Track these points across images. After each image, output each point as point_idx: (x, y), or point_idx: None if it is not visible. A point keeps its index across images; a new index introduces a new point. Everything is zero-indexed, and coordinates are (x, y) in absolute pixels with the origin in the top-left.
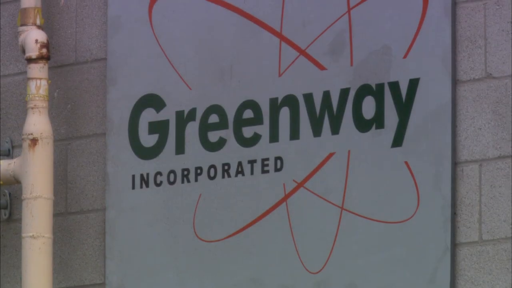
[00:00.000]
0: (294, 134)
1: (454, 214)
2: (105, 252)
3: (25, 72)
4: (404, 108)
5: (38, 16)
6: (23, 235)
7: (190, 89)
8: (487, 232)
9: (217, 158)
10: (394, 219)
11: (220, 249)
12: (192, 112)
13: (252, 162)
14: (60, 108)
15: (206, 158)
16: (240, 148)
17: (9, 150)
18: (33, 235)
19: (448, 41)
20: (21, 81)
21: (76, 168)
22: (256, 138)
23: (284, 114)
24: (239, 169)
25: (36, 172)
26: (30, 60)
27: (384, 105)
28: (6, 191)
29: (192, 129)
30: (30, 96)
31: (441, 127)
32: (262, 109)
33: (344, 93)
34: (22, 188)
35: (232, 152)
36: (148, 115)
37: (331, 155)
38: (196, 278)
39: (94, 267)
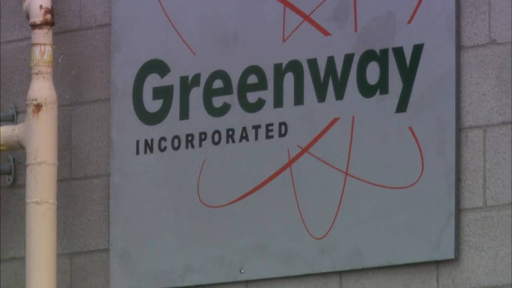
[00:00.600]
0: (298, 99)
1: (458, 180)
2: (109, 217)
3: (29, 38)
4: (408, 73)
5: None
6: (27, 201)
7: (195, 54)
8: (491, 197)
9: (221, 123)
10: (398, 185)
11: (224, 214)
12: (197, 77)
13: (256, 127)
14: (65, 74)
15: (210, 124)
16: (244, 114)
17: (13, 115)
18: (37, 200)
19: (452, 7)
20: (25, 47)
21: (80, 133)
22: (260, 104)
23: (288, 79)
24: (244, 135)
25: (40, 137)
26: (34, 26)
27: (388, 70)
28: (10, 156)
29: (196, 95)
30: (34, 62)
31: (445, 93)
32: (267, 75)
33: (348, 58)
34: (26, 154)
35: (236, 118)
36: (153, 81)
37: (335, 120)
38: (200, 244)
39: (98, 232)
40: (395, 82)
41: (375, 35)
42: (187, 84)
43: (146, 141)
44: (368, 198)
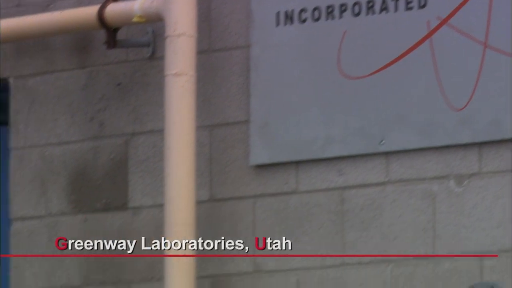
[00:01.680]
0: None
1: None
2: (249, 89)
3: None
4: None
5: None
6: (166, 73)
7: None
8: None
9: None
10: None
11: (365, 85)
12: None
13: None
14: None
15: None
16: None
17: None
18: (176, 72)
19: None
20: None
21: (219, 5)
22: None
23: None
24: (383, 6)
25: (179, 9)
26: None
27: None
28: (149, 28)
29: None
30: None
31: None
32: None
33: None
34: (165, 26)
35: None
36: None
37: None
38: (340, 115)
39: (238, 104)
40: None
41: None
42: None
43: (286, 12)
44: (507, 69)
